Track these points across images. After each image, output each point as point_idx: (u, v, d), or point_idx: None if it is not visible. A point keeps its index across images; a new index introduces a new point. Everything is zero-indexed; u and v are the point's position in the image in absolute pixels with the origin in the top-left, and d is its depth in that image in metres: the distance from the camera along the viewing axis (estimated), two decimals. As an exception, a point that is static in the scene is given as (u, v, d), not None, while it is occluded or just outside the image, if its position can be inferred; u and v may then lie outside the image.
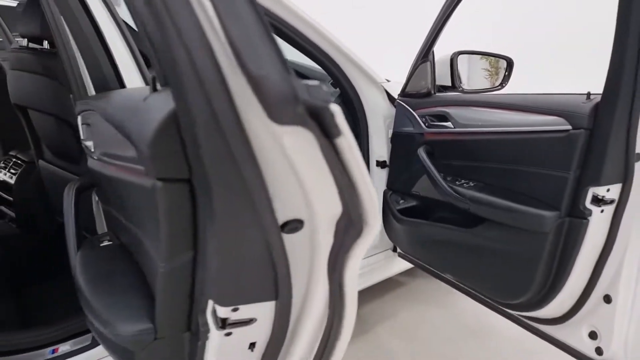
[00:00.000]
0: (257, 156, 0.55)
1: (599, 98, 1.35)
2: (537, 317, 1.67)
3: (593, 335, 1.52)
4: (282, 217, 0.62)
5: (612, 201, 1.36)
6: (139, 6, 0.58)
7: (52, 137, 1.80)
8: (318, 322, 0.73)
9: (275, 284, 0.68)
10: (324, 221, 0.62)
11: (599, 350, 1.51)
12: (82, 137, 1.22)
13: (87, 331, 1.53)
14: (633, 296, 1.44)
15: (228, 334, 0.73)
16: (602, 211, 1.38)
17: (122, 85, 1.27)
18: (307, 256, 0.66)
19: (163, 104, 0.63)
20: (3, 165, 2.16)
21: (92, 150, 1.02)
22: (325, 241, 0.64)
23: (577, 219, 1.40)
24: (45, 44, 1.65)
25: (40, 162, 1.98)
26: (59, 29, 1.42)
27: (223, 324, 0.71)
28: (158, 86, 0.72)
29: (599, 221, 1.39)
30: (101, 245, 1.08)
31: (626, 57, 1.25)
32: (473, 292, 1.87)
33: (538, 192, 1.48)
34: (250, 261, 0.65)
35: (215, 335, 0.73)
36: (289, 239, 0.63)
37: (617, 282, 1.44)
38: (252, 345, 0.77)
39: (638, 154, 1.33)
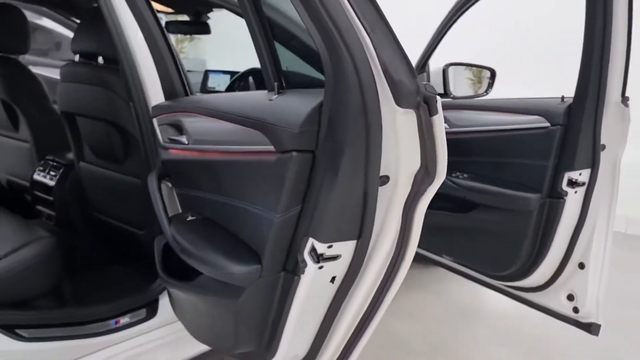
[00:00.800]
0: (383, 130, 0.84)
1: (571, 100, 1.68)
2: (522, 287, 1.97)
3: (570, 297, 1.83)
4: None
5: (583, 183, 1.69)
6: (318, 38, 0.84)
7: (98, 139, 2.03)
8: (385, 258, 1.01)
9: (361, 226, 0.96)
10: (405, 175, 0.90)
11: (575, 310, 1.82)
12: (161, 136, 1.47)
13: (142, 306, 1.77)
14: (602, 262, 1.76)
15: (320, 267, 0.99)
16: (575, 192, 1.70)
17: (188, 91, 1.53)
18: (385, 204, 0.94)
19: (300, 100, 0.91)
20: (42, 168, 2.37)
21: (187, 143, 1.28)
22: (403, 190, 0.91)
23: (556, 199, 1.72)
24: (100, 60, 1.89)
25: (81, 163, 2.21)
26: (123, 47, 1.67)
27: (318, 258, 0.98)
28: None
29: (573, 200, 1.71)
30: (187, 220, 1.33)
31: (592, 68, 1.58)
32: (466, 270, 2.18)
33: (524, 178, 1.80)
34: (349, 208, 0.93)
35: (310, 269, 0.99)
36: (380, 190, 0.91)
37: (589, 251, 1.76)
38: (333, 279, 1.04)
39: (603, 144, 1.66)
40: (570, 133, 1.67)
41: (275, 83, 1.09)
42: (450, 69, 2.25)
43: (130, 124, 1.80)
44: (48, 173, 2.34)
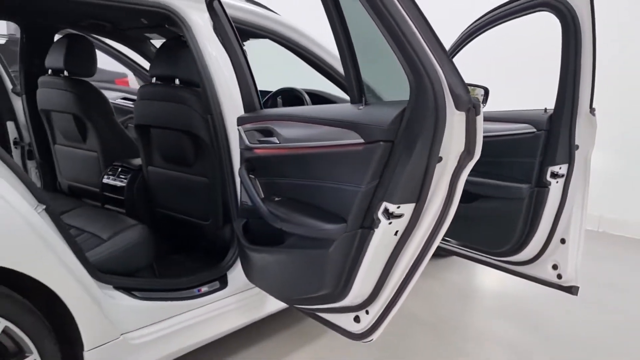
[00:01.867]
0: (446, 125, 1.30)
1: (551, 111, 2.19)
2: (515, 261, 2.45)
3: (555, 267, 2.32)
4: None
5: (563, 175, 2.18)
6: (407, 67, 1.30)
7: (170, 147, 2.46)
8: (433, 216, 1.47)
9: (420, 192, 1.42)
10: (453, 155, 1.36)
11: (559, 276, 2.30)
12: (247, 140, 1.91)
13: (215, 279, 2.19)
14: (579, 237, 2.25)
15: (390, 223, 1.45)
16: (557, 182, 2.20)
17: (261, 105, 1.99)
18: (438, 176, 1.40)
19: (382, 109, 1.39)
20: (110, 173, 2.79)
21: (278, 142, 1.73)
22: (450, 166, 1.38)
23: (542, 187, 2.22)
24: (177, 81, 2.33)
25: (149, 167, 2.64)
26: (204, 72, 2.13)
27: (389, 216, 1.43)
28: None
29: (555, 188, 2.21)
30: (276, 200, 1.78)
31: (567, 87, 2.09)
32: (468, 252, 2.64)
33: (516, 173, 2.29)
34: (413, 179, 1.38)
35: (383, 224, 1.45)
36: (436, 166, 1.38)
37: (568, 229, 2.25)
38: (396, 232, 1.50)
39: (577, 145, 2.15)
40: (552, 136, 2.17)
41: (363, 97, 1.57)
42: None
43: (203, 133, 2.25)
44: (118, 176, 2.76)
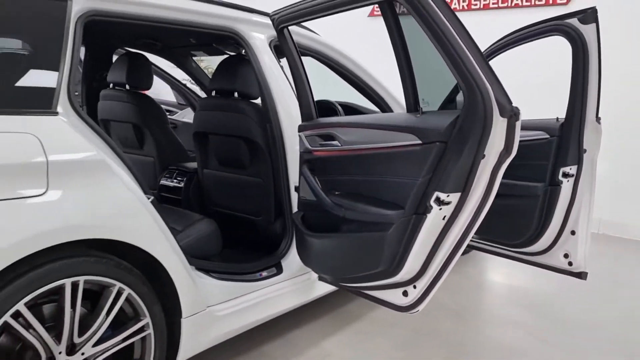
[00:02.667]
0: (492, 129, 1.64)
1: (563, 120, 2.54)
2: (531, 252, 2.78)
3: (566, 256, 2.65)
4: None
5: (572, 175, 2.53)
6: (462, 82, 1.66)
7: (227, 151, 2.79)
8: (475, 204, 1.80)
9: (465, 184, 1.75)
10: (494, 153, 1.70)
11: (570, 264, 2.64)
12: (308, 144, 2.26)
13: (272, 266, 2.52)
14: (587, 229, 2.59)
15: (440, 209, 1.78)
16: (567, 181, 2.54)
17: (317, 114, 2.33)
18: (480, 170, 1.74)
19: (438, 117, 1.75)
20: (167, 175, 3.13)
21: (340, 145, 2.07)
22: (492, 161, 1.71)
23: (555, 186, 2.56)
24: (236, 94, 2.67)
25: (205, 170, 2.97)
26: (265, 87, 2.48)
27: (440, 203, 1.77)
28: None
29: (566, 187, 2.55)
30: (337, 194, 2.12)
31: (576, 100, 2.44)
32: (488, 245, 2.98)
33: (533, 173, 2.64)
34: (462, 173, 1.72)
35: (434, 210, 1.78)
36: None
37: (577, 222, 2.59)
38: (444, 217, 1.84)
39: (584, 149, 2.50)
40: (563, 141, 2.53)
41: (420, 107, 1.92)
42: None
43: (259, 139, 2.59)
44: (175, 178, 3.09)
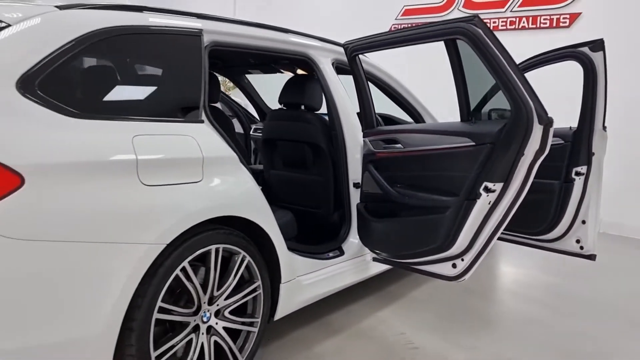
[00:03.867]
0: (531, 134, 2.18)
1: (575, 128, 3.10)
2: (547, 239, 3.31)
3: (578, 241, 3.18)
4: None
5: (583, 173, 3.07)
6: (510, 98, 2.21)
7: (293, 155, 3.32)
8: (514, 192, 2.33)
9: (508, 175, 2.28)
10: (532, 152, 2.22)
11: (581, 248, 3.17)
12: (372, 147, 2.80)
13: (335, 249, 3.03)
14: (595, 219, 3.13)
15: (487, 196, 2.31)
16: (579, 178, 3.08)
17: (378, 123, 2.88)
18: (519, 165, 2.27)
19: (489, 125, 2.29)
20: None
21: (403, 148, 2.61)
22: (529, 158, 2.24)
23: (569, 183, 3.10)
24: (302, 107, 3.21)
25: (271, 171, 3.50)
26: (330, 101, 3.02)
27: (487, 191, 2.30)
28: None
29: (578, 183, 3.09)
30: (399, 186, 2.66)
31: (587, 112, 2.99)
32: (509, 235, 3.51)
33: (550, 172, 3.18)
34: (505, 167, 2.25)
35: (483, 197, 2.30)
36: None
37: (587, 213, 3.12)
38: (489, 202, 2.37)
39: (593, 152, 3.05)
40: (575, 146, 3.07)
41: (472, 118, 2.48)
42: (492, 113, 3.66)
43: (323, 143, 3.11)
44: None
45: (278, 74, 3.90)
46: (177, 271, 1.98)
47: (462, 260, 2.54)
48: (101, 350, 1.78)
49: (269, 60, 3.48)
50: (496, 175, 2.30)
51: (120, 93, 2.13)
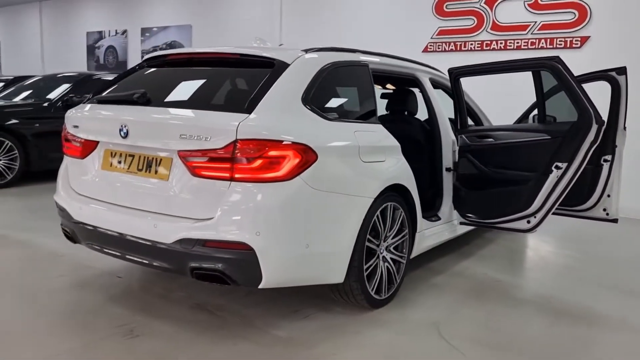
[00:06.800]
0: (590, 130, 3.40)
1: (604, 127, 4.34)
2: (582, 209, 4.53)
3: (604, 210, 4.41)
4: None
5: (609, 160, 4.29)
6: (578, 108, 3.36)
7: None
8: (575, 169, 3.52)
9: (571, 157, 3.48)
10: (589, 141, 3.41)
11: (607, 214, 4.39)
12: (468, 141, 4.00)
13: (435, 215, 4.23)
14: (617, 193, 4.36)
15: (557, 171, 3.51)
16: (606, 164, 4.31)
17: (466, 125, 4.08)
18: (580, 150, 3.48)
19: (560, 125, 3.50)
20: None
21: (493, 141, 3.81)
22: (586, 145, 3.43)
23: (598, 167, 4.33)
24: (405, 113, 4.40)
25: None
26: (431, 109, 4.22)
27: (557, 168, 3.48)
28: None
29: (605, 168, 4.31)
30: (491, 168, 3.86)
31: (612, 117, 4.22)
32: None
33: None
34: (570, 151, 3.44)
35: (554, 172, 3.48)
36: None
37: (612, 189, 4.36)
38: (557, 176, 3.56)
39: (616, 145, 4.27)
40: (604, 140, 4.31)
41: (546, 118, 3.70)
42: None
43: (421, 139, 4.31)
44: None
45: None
46: (375, 217, 3.15)
47: (535, 217, 3.74)
48: (343, 262, 2.94)
49: (390, 78, 4.64)
50: (563, 157, 3.52)
51: (343, 104, 3.31)
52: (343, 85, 3.47)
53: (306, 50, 3.13)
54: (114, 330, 2.83)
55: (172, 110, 2.86)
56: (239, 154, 2.54)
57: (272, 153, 2.59)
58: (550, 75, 3.61)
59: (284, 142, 2.62)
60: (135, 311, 3.09)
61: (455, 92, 4.08)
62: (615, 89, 4.13)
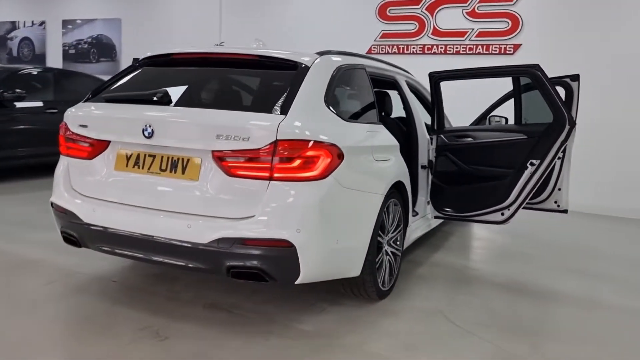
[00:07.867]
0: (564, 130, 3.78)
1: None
2: (536, 202, 5.01)
3: (556, 202, 4.91)
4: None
5: (560, 157, 4.81)
6: (553, 109, 3.75)
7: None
8: (546, 165, 3.94)
9: (543, 155, 3.89)
10: (560, 140, 3.81)
11: (558, 206, 4.88)
12: (447, 140, 4.30)
13: (414, 209, 4.50)
14: (567, 187, 4.87)
15: (531, 167, 3.91)
16: (558, 161, 4.82)
17: (445, 126, 4.38)
18: (553, 149, 3.88)
19: (535, 126, 3.88)
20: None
21: (472, 140, 4.12)
22: (557, 144, 3.84)
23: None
24: (382, 113, 4.63)
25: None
26: (408, 109, 4.48)
27: (531, 165, 3.88)
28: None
29: (557, 163, 4.82)
30: (470, 167, 4.17)
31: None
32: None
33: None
34: (543, 150, 3.83)
35: (529, 168, 3.86)
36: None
37: (562, 183, 4.86)
38: (530, 172, 3.95)
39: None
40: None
41: (524, 119, 4.06)
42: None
43: (400, 139, 4.56)
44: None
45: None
46: (384, 212, 3.33)
47: (509, 210, 4.11)
48: (362, 256, 3.09)
49: (375, 81, 4.81)
50: (538, 155, 3.91)
51: (352, 106, 3.45)
52: (350, 87, 3.62)
53: (320, 53, 3.24)
54: (138, 334, 2.78)
55: (205, 111, 2.86)
56: (279, 154, 2.61)
57: (309, 153, 2.68)
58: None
59: (320, 142, 2.72)
60: (150, 314, 3.04)
61: (435, 95, 4.36)
62: (568, 93, 4.62)
